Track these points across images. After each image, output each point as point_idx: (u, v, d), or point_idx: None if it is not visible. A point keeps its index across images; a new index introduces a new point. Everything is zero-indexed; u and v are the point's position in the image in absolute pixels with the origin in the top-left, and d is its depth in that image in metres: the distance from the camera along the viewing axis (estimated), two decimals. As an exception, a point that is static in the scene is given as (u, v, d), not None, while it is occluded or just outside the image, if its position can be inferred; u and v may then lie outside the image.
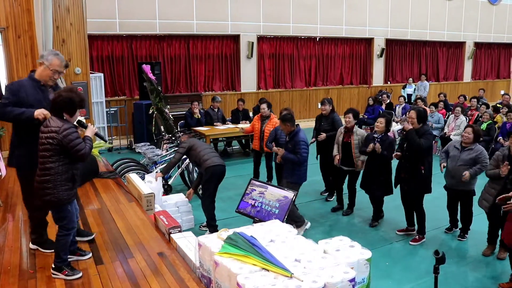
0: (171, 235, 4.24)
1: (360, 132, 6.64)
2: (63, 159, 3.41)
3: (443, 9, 17.96)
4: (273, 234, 3.30)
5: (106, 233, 4.54)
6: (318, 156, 7.51)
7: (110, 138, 10.88)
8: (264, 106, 7.91)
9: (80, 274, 3.60)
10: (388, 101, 13.70)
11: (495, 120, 10.07)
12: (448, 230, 6.26)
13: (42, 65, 3.84)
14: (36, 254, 4.03)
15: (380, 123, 6.23)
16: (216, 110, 10.54)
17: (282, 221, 3.75)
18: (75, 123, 3.58)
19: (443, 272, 5.13)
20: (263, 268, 2.82)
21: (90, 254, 3.95)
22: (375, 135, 6.25)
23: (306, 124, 13.36)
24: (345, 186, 6.98)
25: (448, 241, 6.06)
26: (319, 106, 7.80)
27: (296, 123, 6.02)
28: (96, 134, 3.83)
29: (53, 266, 3.61)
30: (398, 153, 5.89)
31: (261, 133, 7.79)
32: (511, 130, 8.38)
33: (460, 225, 6.14)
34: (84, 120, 3.83)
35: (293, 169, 5.86)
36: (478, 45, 19.52)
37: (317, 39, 15.28)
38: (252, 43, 13.74)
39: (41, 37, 7.29)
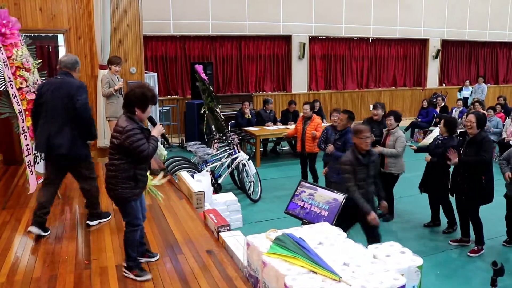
0: (220, 233, 4.29)
1: (397, 134, 6.41)
2: (126, 158, 3.45)
3: (504, 7, 17.17)
4: (322, 236, 3.27)
5: (156, 229, 4.65)
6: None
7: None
8: (306, 106, 7.85)
9: (150, 276, 3.60)
10: (443, 104, 13.27)
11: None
12: (507, 243, 5.95)
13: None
14: (91, 246, 4.19)
15: (440, 124, 6.10)
16: (268, 111, 10.61)
17: (332, 224, 3.71)
18: (146, 120, 3.66)
19: (502, 285, 4.93)
20: (311, 271, 2.81)
21: (159, 256, 3.98)
22: (439, 137, 6.08)
23: (357, 126, 13.19)
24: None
25: (506, 253, 5.78)
26: (371, 108, 7.59)
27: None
28: (163, 136, 3.86)
29: (124, 265, 3.66)
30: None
31: (302, 135, 7.74)
32: None
33: None
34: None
35: (339, 169, 5.77)
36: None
37: (370, 40, 15.02)
38: (304, 43, 13.68)
39: (100, 38, 7.56)
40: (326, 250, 3.05)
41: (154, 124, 3.74)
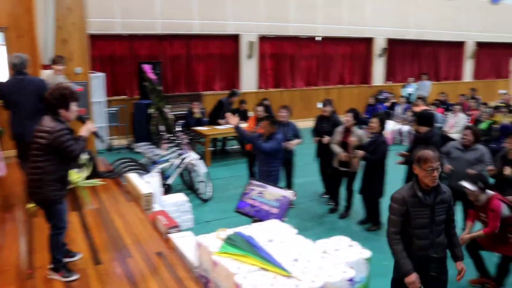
0: (170, 234, 4.23)
1: (358, 132, 6.60)
2: (53, 160, 3.40)
3: (444, 8, 17.90)
4: (272, 233, 3.28)
5: (104, 233, 4.53)
6: (319, 158, 7.44)
7: (109, 138, 10.85)
8: (259, 108, 7.88)
9: (77, 276, 3.59)
10: (394, 100, 13.70)
11: (494, 119, 10.04)
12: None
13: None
14: (34, 254, 4.03)
15: (374, 123, 6.18)
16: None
17: (281, 221, 3.74)
18: (74, 118, 3.58)
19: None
20: (262, 268, 2.81)
21: (81, 255, 3.95)
22: (370, 136, 6.23)
23: (306, 124, 13.33)
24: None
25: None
26: (318, 105, 7.73)
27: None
28: (94, 133, 3.84)
29: (49, 266, 3.61)
30: (362, 152, 5.92)
31: None
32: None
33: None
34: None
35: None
36: (479, 44, 19.47)
37: (318, 39, 15.26)
38: (253, 42, 13.72)
39: (43, 37, 7.29)
40: (276, 247, 3.06)
41: (83, 122, 3.72)
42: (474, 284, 4.90)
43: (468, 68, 19.51)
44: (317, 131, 7.29)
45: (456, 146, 5.84)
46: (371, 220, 6.48)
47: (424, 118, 5.63)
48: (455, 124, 10.41)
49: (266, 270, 2.84)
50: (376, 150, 6.02)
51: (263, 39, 14.12)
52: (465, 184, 4.72)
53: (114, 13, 11.63)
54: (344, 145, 6.58)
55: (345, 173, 6.70)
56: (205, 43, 13.26)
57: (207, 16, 12.90)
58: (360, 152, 6.07)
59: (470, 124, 9.19)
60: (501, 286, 4.76)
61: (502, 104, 11.25)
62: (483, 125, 9.60)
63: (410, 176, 5.64)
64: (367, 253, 3.03)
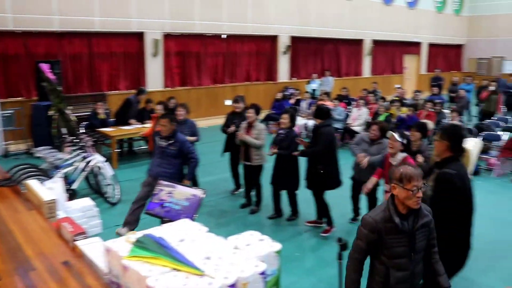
0: (76, 242, 4.04)
1: (259, 127, 6.73)
2: None
3: (343, 8, 18.83)
4: (182, 233, 3.26)
5: (2, 246, 4.22)
6: (227, 153, 7.50)
7: (4, 143, 10.12)
8: (159, 107, 7.79)
9: None
10: (299, 96, 14.14)
11: (390, 112, 10.75)
12: (353, 220, 6.59)
13: None
14: None
15: (285, 118, 6.37)
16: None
17: (192, 220, 3.72)
18: None
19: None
20: (174, 269, 2.78)
21: None
22: (280, 131, 6.40)
23: (214, 122, 13.37)
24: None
25: (354, 229, 6.36)
26: (226, 103, 7.77)
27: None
28: None
29: None
30: (296, 153, 6.09)
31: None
32: (410, 123, 8.93)
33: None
34: None
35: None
36: (375, 42, 20.71)
37: (223, 37, 15.33)
38: (158, 40, 13.47)
39: None
40: (188, 246, 3.05)
41: None
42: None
43: (366, 64, 20.69)
44: (228, 127, 7.33)
45: (365, 138, 6.18)
46: (291, 211, 6.73)
47: (319, 112, 5.92)
48: (358, 118, 10.99)
49: (179, 270, 2.81)
50: (290, 145, 6.21)
51: (168, 36, 13.92)
52: (395, 134, 5.04)
53: (5, 8, 10.81)
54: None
55: (248, 167, 6.84)
56: (108, 41, 12.80)
57: (109, 13, 12.44)
58: (274, 150, 6.21)
59: (377, 120, 9.75)
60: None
61: (396, 98, 12.06)
62: (381, 118, 10.23)
63: (311, 168, 5.90)
64: (278, 246, 3.11)
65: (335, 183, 6.03)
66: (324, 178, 5.90)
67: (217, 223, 6.44)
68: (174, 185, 4.24)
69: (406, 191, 2.88)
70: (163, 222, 4.21)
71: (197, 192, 4.04)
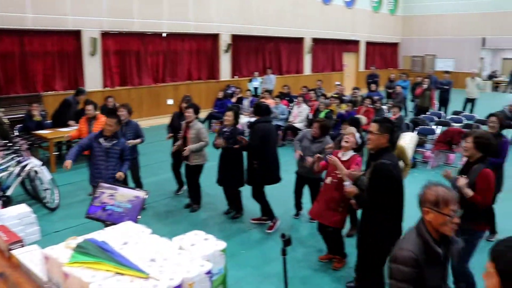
0: (12, 251, 3.86)
1: (197, 126, 6.70)
2: None
3: (283, 6, 19.06)
4: (126, 236, 3.19)
5: None
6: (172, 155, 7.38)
7: None
8: (89, 107, 7.53)
9: None
10: (240, 94, 14.18)
11: (331, 108, 11.00)
12: (296, 216, 6.70)
13: None
14: None
15: (229, 116, 6.39)
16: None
17: (135, 222, 3.65)
18: None
19: (299, 253, 5.50)
20: (118, 273, 2.72)
21: None
22: (225, 129, 6.41)
23: (156, 122, 13.20)
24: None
25: (300, 224, 6.48)
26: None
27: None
28: None
29: None
30: (237, 146, 6.11)
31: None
32: (346, 118, 9.19)
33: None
34: None
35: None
36: (315, 40, 21.13)
37: (164, 35, 15.11)
38: (95, 39, 13.07)
39: None
40: (132, 249, 2.99)
41: None
42: (323, 260, 5.35)
43: (307, 62, 21.07)
44: (174, 128, 7.21)
45: (307, 136, 6.27)
46: (234, 208, 6.76)
47: (257, 108, 6.00)
48: (298, 114, 11.17)
49: (123, 274, 2.75)
50: (235, 142, 6.23)
51: (106, 35, 13.55)
52: (356, 132, 5.18)
53: None
54: (184, 139, 6.67)
55: (191, 168, 6.80)
56: (42, 39, 12.28)
57: (42, 10, 11.94)
58: (220, 142, 6.22)
59: (319, 118, 9.92)
60: (344, 257, 5.26)
61: (336, 95, 12.34)
62: (321, 115, 10.45)
63: (248, 164, 5.96)
64: (223, 244, 3.11)
65: (272, 179, 6.10)
66: (259, 174, 5.96)
67: (161, 224, 6.36)
68: (116, 188, 4.14)
69: (442, 216, 2.51)
70: (106, 225, 4.11)
71: (140, 193, 3.97)
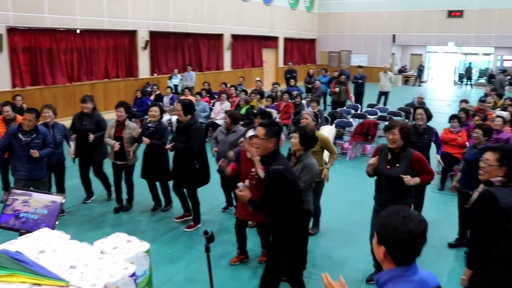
0: None
1: (131, 126, 6.56)
2: None
3: (201, 3, 18.94)
4: (42, 244, 3.04)
5: None
6: (77, 158, 6.90)
7: None
8: (7, 108, 7.07)
9: None
10: (158, 92, 13.92)
11: (252, 104, 11.13)
12: (225, 209, 6.75)
13: None
14: None
15: (155, 111, 6.31)
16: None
17: (53, 228, 3.48)
18: None
19: (226, 249, 5.51)
20: (35, 284, 2.58)
21: None
22: (150, 124, 6.32)
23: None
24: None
25: (225, 220, 6.50)
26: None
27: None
28: None
29: None
30: (170, 146, 5.99)
31: None
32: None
33: (235, 203, 6.66)
34: None
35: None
36: (234, 37, 21.22)
37: (78, 32, 14.44)
38: (1, 35, 12.23)
39: None
40: (49, 257, 2.85)
41: None
42: (234, 263, 5.29)
43: (227, 58, 21.12)
44: (76, 130, 6.78)
45: (222, 130, 6.33)
46: (165, 201, 6.78)
47: (186, 107, 5.84)
48: (220, 111, 11.17)
49: (40, 285, 2.62)
50: (161, 137, 6.20)
51: (13, 31, 12.71)
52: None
53: None
54: (118, 139, 6.46)
55: (122, 167, 6.61)
56: None
57: None
58: (146, 140, 6.12)
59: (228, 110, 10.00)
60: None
61: (254, 92, 12.48)
62: (242, 110, 10.53)
63: (186, 165, 5.86)
64: (146, 246, 3.05)
65: (208, 177, 6.10)
66: (200, 174, 5.93)
67: (81, 228, 6.10)
68: (29, 193, 3.90)
69: None
70: (20, 234, 3.87)
71: (56, 198, 3.78)
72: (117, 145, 6.35)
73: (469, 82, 27.10)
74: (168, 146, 6.00)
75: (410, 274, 1.87)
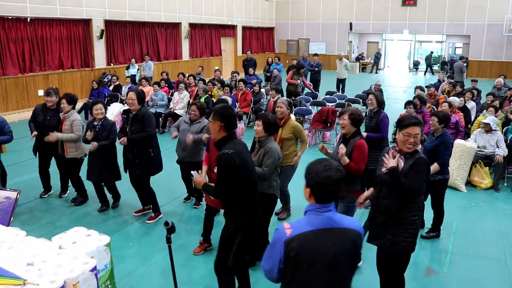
0: None
1: (72, 117, 6.28)
2: None
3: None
4: (-4, 241, 2.94)
5: None
6: (38, 153, 6.67)
7: None
8: None
9: None
10: (117, 82, 13.63)
11: (211, 94, 11.06)
12: (186, 199, 6.72)
13: None
14: None
15: (98, 109, 6.07)
16: None
17: (8, 225, 3.37)
18: None
19: (186, 239, 5.50)
20: (-11, 282, 2.50)
21: None
22: (95, 122, 6.09)
23: (25, 115, 12.16)
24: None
25: (186, 210, 6.47)
26: (40, 93, 6.91)
27: None
28: None
29: None
30: (123, 139, 5.73)
31: None
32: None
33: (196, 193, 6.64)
34: None
35: None
36: (192, 25, 20.97)
37: (28, 20, 13.90)
38: None
39: None
40: (4, 255, 2.77)
41: None
42: (198, 253, 5.26)
43: (185, 47, 20.87)
44: (39, 124, 6.45)
45: (185, 120, 6.32)
46: (113, 198, 6.59)
47: (139, 96, 5.71)
48: (180, 101, 11.08)
49: (-5, 283, 2.54)
50: (109, 135, 6.03)
51: (-42, 20, 12.12)
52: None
53: None
54: (61, 131, 6.24)
55: (68, 161, 6.42)
56: None
57: None
58: (94, 144, 5.92)
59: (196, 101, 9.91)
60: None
61: (214, 81, 12.40)
62: (201, 100, 10.46)
63: (138, 154, 5.76)
64: (106, 239, 3.01)
65: (161, 165, 6.03)
66: (155, 161, 5.87)
67: (38, 224, 5.94)
68: (-19, 189, 3.77)
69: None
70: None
71: (11, 193, 3.65)
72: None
73: (429, 70, 27.79)
74: (121, 140, 5.77)
75: (322, 211, 2.38)
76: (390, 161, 3.62)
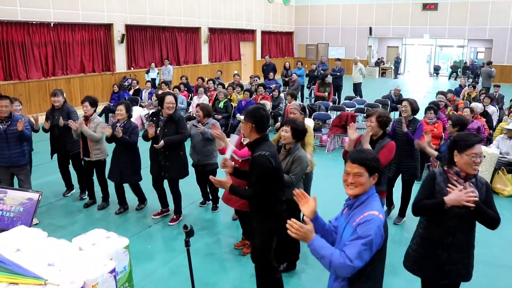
0: None
1: (97, 120, 6.42)
2: None
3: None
4: (19, 242, 2.98)
5: None
6: (55, 155, 6.86)
7: None
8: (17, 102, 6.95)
9: None
10: (137, 86, 13.77)
11: (230, 98, 11.10)
12: (202, 204, 6.72)
13: None
14: None
15: (121, 110, 6.16)
16: None
17: (29, 226, 3.42)
18: None
19: (206, 243, 5.51)
20: (12, 283, 2.54)
21: None
22: (118, 124, 6.17)
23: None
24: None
25: (202, 214, 6.49)
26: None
27: None
28: None
29: None
30: (161, 143, 5.72)
31: None
32: (246, 107, 9.38)
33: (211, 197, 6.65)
34: None
35: None
36: (211, 30, 21.09)
37: (51, 25, 14.16)
38: (-28, 29, 11.94)
39: None
40: (26, 255, 2.80)
41: None
42: (238, 247, 5.37)
43: (204, 52, 20.99)
44: (50, 126, 6.66)
45: (194, 123, 6.30)
46: (139, 200, 6.64)
47: (162, 102, 5.80)
48: (199, 105, 11.10)
49: (17, 284, 2.57)
50: (131, 137, 6.08)
51: (-16, 24, 12.41)
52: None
53: None
54: (83, 134, 6.31)
55: (90, 163, 6.50)
56: None
57: None
58: (119, 130, 5.97)
59: (200, 103, 9.96)
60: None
61: (233, 85, 12.44)
62: (220, 104, 10.51)
63: (170, 157, 5.80)
64: (126, 241, 3.03)
65: (188, 169, 6.09)
66: (184, 164, 5.95)
67: (59, 225, 6.02)
68: (4, 191, 3.83)
69: None
70: (-6, 232, 3.79)
71: (33, 195, 3.71)
72: (81, 122, 6.20)
73: (454, 75, 27.38)
74: (159, 144, 5.77)
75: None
76: (465, 192, 3.03)
